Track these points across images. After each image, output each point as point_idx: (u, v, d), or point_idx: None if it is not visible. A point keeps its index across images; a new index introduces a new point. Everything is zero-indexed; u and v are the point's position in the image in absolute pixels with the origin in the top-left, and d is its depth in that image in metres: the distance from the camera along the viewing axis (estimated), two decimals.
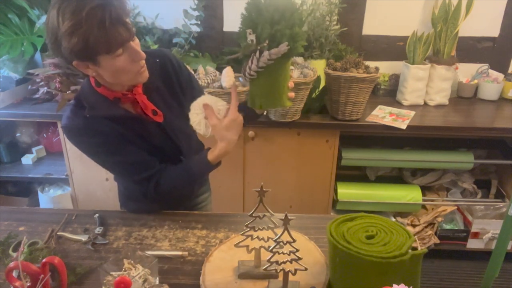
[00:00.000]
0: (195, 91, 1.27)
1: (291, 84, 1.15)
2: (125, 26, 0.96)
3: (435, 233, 2.28)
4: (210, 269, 1.06)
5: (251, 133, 2.06)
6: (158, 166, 1.19)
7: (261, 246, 1.03)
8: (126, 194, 1.41)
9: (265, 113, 1.30)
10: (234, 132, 1.12)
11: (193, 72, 1.42)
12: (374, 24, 2.33)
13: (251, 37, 1.01)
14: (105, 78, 1.04)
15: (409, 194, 2.24)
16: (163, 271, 1.08)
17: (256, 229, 1.03)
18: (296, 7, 1.01)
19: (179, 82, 1.23)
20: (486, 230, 2.25)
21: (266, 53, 1.00)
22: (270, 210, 1.01)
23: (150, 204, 1.34)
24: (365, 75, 1.90)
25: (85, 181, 2.27)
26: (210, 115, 1.11)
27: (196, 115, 1.13)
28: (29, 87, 2.25)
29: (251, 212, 1.01)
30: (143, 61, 1.05)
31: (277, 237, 0.93)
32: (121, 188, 1.42)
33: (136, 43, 1.01)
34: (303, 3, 2.11)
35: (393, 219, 1.98)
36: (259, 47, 1.01)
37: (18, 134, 2.48)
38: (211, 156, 1.15)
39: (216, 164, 1.18)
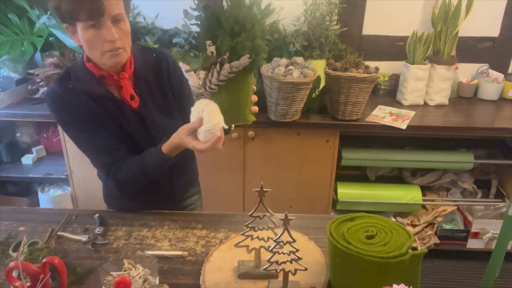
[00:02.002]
0: (184, 96, 1.29)
1: (254, 98, 1.10)
2: (102, 1, 0.99)
3: (435, 233, 2.28)
4: (210, 269, 1.06)
5: (251, 133, 2.06)
6: (123, 154, 1.20)
7: (261, 246, 1.03)
8: (108, 192, 1.43)
9: (232, 127, 1.20)
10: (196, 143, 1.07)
11: (188, 79, 1.40)
12: (374, 24, 2.33)
13: (211, 49, 0.97)
14: (86, 49, 1.09)
15: (409, 194, 2.24)
16: (163, 271, 1.08)
17: (256, 229, 1.03)
18: (257, 19, 0.99)
19: (170, 81, 1.26)
20: (486, 230, 2.25)
21: (226, 65, 0.96)
22: (270, 210, 1.01)
23: (129, 203, 1.36)
24: (365, 75, 1.90)
25: (85, 181, 2.27)
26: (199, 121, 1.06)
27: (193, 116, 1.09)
28: (29, 87, 2.25)
29: (251, 212, 1.01)
30: (119, 44, 1.07)
31: (277, 237, 0.93)
32: (103, 185, 1.43)
33: (119, 26, 1.05)
34: (304, 3, 2.12)
35: (393, 219, 1.98)
36: (219, 60, 0.97)
37: (18, 134, 2.48)
38: (164, 146, 1.14)
39: (171, 156, 1.15)
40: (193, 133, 1.07)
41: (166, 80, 1.25)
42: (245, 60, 0.96)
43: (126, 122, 1.20)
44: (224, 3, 0.98)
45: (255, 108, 1.10)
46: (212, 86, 1.00)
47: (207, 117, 1.04)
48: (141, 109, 1.21)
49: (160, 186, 1.36)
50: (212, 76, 0.99)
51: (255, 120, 1.09)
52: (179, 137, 1.10)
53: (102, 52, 1.07)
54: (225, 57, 0.96)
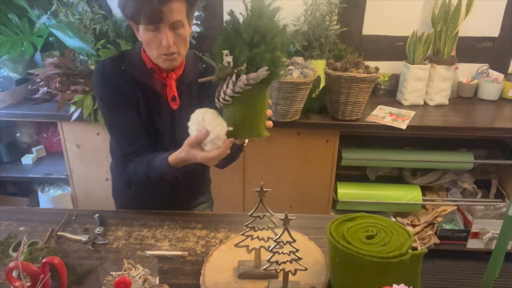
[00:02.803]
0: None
1: (269, 112, 1.06)
2: (162, 9, 1.04)
3: (435, 233, 2.28)
4: (210, 269, 1.06)
5: None
6: (143, 148, 1.22)
7: (261, 246, 1.03)
8: (115, 186, 1.45)
9: (245, 144, 1.20)
10: (203, 155, 1.05)
11: None
12: (374, 24, 2.33)
13: (228, 58, 0.93)
14: (144, 46, 1.15)
15: (409, 194, 2.24)
16: (163, 271, 1.08)
17: (256, 229, 1.03)
18: (278, 30, 0.94)
19: (209, 93, 1.26)
20: (486, 230, 2.25)
21: (243, 77, 0.92)
22: (270, 210, 1.01)
23: (133, 200, 1.39)
24: (365, 75, 1.90)
25: (85, 181, 2.27)
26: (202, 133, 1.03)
27: (194, 129, 1.05)
28: (29, 87, 2.25)
29: (251, 212, 1.01)
30: (173, 49, 1.11)
31: (277, 237, 0.93)
32: (112, 179, 1.46)
33: (177, 32, 1.10)
34: (304, 3, 2.12)
35: (393, 219, 1.98)
36: (236, 71, 0.93)
37: (18, 134, 2.48)
38: (171, 156, 1.14)
39: (175, 168, 1.14)
40: (198, 145, 1.04)
41: (207, 91, 1.28)
42: (263, 72, 0.92)
43: (159, 118, 1.24)
44: (244, 12, 0.94)
45: (270, 123, 1.06)
46: (227, 98, 0.96)
47: (209, 126, 1.01)
48: (177, 111, 1.25)
49: (164, 190, 1.36)
50: (227, 87, 0.94)
51: (269, 135, 1.05)
52: (185, 151, 1.07)
53: (158, 53, 1.13)
54: (243, 68, 0.92)
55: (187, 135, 1.07)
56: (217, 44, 0.96)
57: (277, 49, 0.94)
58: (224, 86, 0.95)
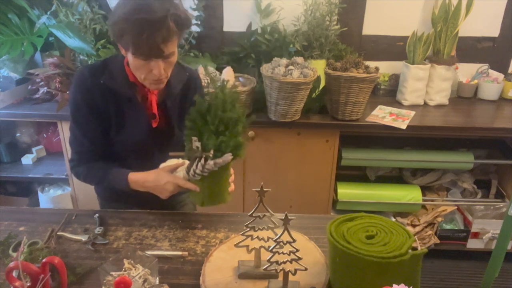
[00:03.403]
0: None
1: (232, 178, 1.21)
2: (156, 50, 1.05)
3: (435, 233, 2.28)
4: (210, 269, 1.06)
5: (251, 133, 2.06)
6: (90, 159, 1.26)
7: (261, 246, 1.03)
8: (96, 189, 1.47)
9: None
10: (157, 185, 1.19)
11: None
12: (374, 24, 2.33)
13: (197, 143, 1.04)
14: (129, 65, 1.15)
15: (409, 194, 2.24)
16: (163, 271, 1.08)
17: (256, 229, 1.03)
18: (241, 116, 1.08)
19: (191, 101, 1.25)
20: (486, 230, 2.25)
21: (211, 162, 1.05)
22: (270, 210, 1.01)
23: (107, 202, 1.43)
24: (365, 75, 1.90)
25: None
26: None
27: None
28: (29, 87, 2.25)
29: (251, 212, 1.01)
30: (160, 76, 1.12)
31: (277, 237, 0.93)
32: None
33: (168, 61, 1.11)
34: (304, 3, 2.12)
35: (393, 219, 1.98)
36: (204, 155, 1.05)
37: (18, 134, 2.48)
38: (132, 175, 1.21)
39: (129, 186, 1.21)
40: (172, 171, 1.19)
41: (189, 100, 1.28)
42: (228, 157, 1.07)
43: (136, 130, 1.24)
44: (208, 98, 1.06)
45: (232, 188, 1.20)
46: (196, 176, 1.10)
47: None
48: (156, 127, 1.26)
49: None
50: (196, 167, 1.08)
51: (231, 199, 1.20)
52: (156, 172, 1.19)
53: (145, 77, 1.13)
54: (210, 155, 1.05)
55: (165, 143, 1.20)
56: (186, 129, 1.07)
57: (239, 134, 1.09)
58: (194, 165, 1.08)
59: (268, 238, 1.03)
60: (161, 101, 1.26)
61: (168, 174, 1.18)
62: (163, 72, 1.11)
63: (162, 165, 1.24)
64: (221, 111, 1.04)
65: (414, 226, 2.28)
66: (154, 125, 1.25)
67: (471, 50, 2.38)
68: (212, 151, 1.05)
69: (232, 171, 1.20)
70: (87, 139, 1.23)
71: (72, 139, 1.26)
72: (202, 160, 1.06)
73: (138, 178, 1.20)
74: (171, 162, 1.23)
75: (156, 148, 1.29)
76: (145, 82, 1.15)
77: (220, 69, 2.10)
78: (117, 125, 1.23)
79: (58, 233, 1.22)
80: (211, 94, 1.06)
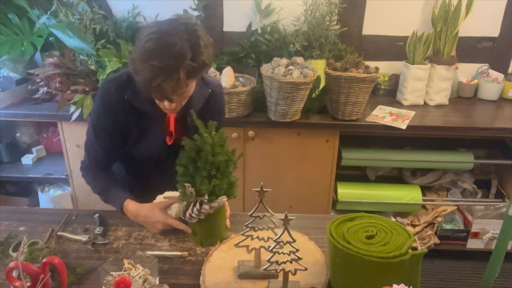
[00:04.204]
0: None
1: (228, 214, 1.24)
2: (165, 96, 1.07)
3: (435, 233, 2.28)
4: (210, 269, 1.06)
5: (251, 133, 2.06)
6: (106, 164, 1.32)
7: (261, 246, 1.03)
8: None
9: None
10: (148, 222, 1.22)
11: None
12: (374, 24, 2.33)
13: (190, 189, 1.07)
14: None
15: (409, 194, 2.24)
16: (163, 271, 1.08)
17: (256, 229, 1.03)
18: (230, 157, 1.10)
19: (208, 118, 1.24)
20: (486, 230, 2.25)
21: (206, 206, 1.08)
22: (270, 210, 1.01)
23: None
24: (365, 75, 1.90)
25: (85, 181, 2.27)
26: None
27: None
28: (29, 87, 2.25)
29: (251, 212, 1.01)
30: (170, 109, 1.15)
31: (277, 237, 0.93)
32: None
33: (180, 97, 1.12)
34: (304, 3, 2.12)
35: (393, 219, 1.98)
36: (199, 200, 1.08)
37: (18, 134, 2.48)
38: (127, 203, 1.23)
39: (122, 210, 1.25)
40: (165, 208, 1.22)
41: (209, 114, 1.27)
42: (223, 200, 1.11)
43: (153, 140, 1.27)
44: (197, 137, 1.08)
45: (228, 223, 1.23)
46: (192, 220, 1.12)
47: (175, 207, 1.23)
48: (172, 145, 1.30)
49: (141, 184, 1.40)
50: (192, 211, 1.10)
51: (229, 235, 1.22)
52: (150, 208, 1.21)
53: (161, 104, 1.15)
54: (205, 200, 1.08)
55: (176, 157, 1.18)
56: (179, 175, 1.10)
57: (231, 173, 1.12)
58: (190, 209, 1.10)
59: (268, 238, 1.03)
60: (181, 116, 1.28)
61: (160, 213, 1.19)
62: (174, 106, 1.13)
63: (159, 197, 1.25)
64: (211, 155, 1.06)
65: (414, 226, 2.28)
66: (169, 142, 1.28)
67: (471, 50, 2.38)
68: (206, 196, 1.08)
69: (227, 205, 1.23)
70: (102, 149, 1.27)
71: (88, 144, 1.29)
72: (198, 205, 1.08)
73: (132, 209, 1.22)
74: (169, 194, 1.24)
75: (171, 160, 1.25)
76: (161, 106, 1.17)
77: (220, 69, 2.10)
78: (134, 138, 1.26)
79: (58, 233, 1.22)
80: (199, 139, 1.07)
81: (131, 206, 1.22)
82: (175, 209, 1.23)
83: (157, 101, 1.16)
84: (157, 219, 1.19)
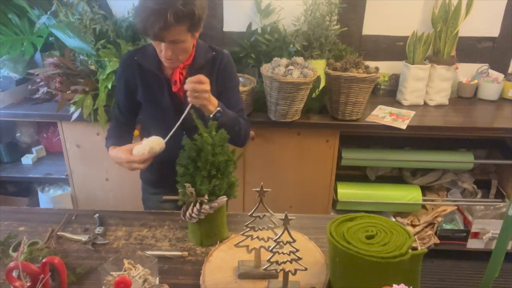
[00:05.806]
0: (222, 98, 1.39)
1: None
2: (157, 35, 1.19)
3: (435, 233, 2.28)
4: (210, 269, 1.06)
5: (251, 133, 2.05)
6: (123, 117, 1.49)
7: (261, 246, 1.03)
8: (140, 174, 1.61)
9: (217, 114, 1.32)
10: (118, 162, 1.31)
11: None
12: (374, 24, 2.33)
13: (191, 189, 1.08)
14: None
15: (409, 194, 2.24)
16: (163, 271, 1.08)
17: (256, 229, 1.03)
18: (230, 157, 1.12)
19: (216, 79, 1.41)
20: (486, 230, 2.25)
21: (207, 206, 1.09)
22: (270, 210, 1.01)
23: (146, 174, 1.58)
24: (365, 75, 1.90)
25: (85, 181, 2.27)
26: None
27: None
28: (29, 87, 2.25)
29: (251, 212, 1.01)
30: (171, 58, 1.27)
31: (277, 237, 0.93)
32: None
33: (175, 46, 1.24)
34: (304, 3, 2.12)
35: (393, 219, 1.98)
36: (199, 200, 1.09)
37: (18, 134, 2.48)
38: (110, 151, 1.36)
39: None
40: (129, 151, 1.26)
41: (215, 77, 1.40)
42: (223, 200, 1.11)
43: (159, 90, 1.39)
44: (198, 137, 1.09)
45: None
46: (193, 219, 1.12)
47: (147, 140, 1.23)
48: (178, 94, 1.39)
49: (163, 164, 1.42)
50: (192, 211, 1.10)
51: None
52: (116, 151, 1.31)
53: (160, 56, 1.31)
54: (205, 200, 1.08)
55: (186, 117, 1.25)
56: (179, 175, 1.12)
57: (231, 173, 1.13)
58: (190, 209, 1.10)
59: (268, 238, 1.03)
60: (188, 73, 1.36)
61: (123, 154, 1.26)
62: (169, 54, 1.25)
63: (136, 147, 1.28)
64: (211, 155, 1.07)
65: (414, 226, 2.28)
66: (175, 89, 1.36)
67: (471, 50, 2.38)
68: (206, 196, 1.09)
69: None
70: (117, 105, 1.49)
71: (115, 104, 1.53)
72: (198, 205, 1.09)
73: (111, 155, 1.35)
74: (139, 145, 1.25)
75: (175, 116, 1.31)
76: (162, 60, 1.31)
77: None
78: (143, 92, 1.41)
79: (58, 233, 1.22)
80: (200, 139, 1.09)
81: (110, 152, 1.35)
82: (135, 150, 1.23)
83: (160, 57, 1.29)
84: (121, 160, 1.26)
